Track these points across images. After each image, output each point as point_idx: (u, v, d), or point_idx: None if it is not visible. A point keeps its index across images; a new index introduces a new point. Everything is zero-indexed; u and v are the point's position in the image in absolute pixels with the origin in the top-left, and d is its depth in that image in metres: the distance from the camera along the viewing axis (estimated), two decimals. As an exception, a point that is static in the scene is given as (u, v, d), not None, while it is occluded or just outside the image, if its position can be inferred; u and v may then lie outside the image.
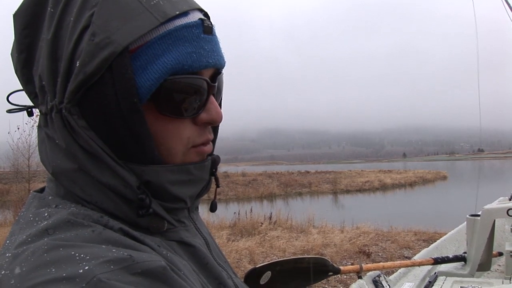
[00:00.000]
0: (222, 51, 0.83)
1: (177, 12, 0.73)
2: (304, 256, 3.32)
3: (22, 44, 0.76)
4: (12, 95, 0.82)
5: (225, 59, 0.84)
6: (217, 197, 0.96)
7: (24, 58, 0.77)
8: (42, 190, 0.80)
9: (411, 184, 45.59)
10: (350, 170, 61.56)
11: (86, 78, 0.68)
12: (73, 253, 0.57)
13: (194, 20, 0.76)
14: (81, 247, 0.59)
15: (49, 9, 0.73)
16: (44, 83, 0.73)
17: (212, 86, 0.79)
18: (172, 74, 0.72)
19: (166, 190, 0.75)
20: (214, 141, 0.91)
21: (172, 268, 0.66)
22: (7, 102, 0.81)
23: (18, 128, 17.11)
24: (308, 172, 56.59)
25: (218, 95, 0.84)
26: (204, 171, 0.83)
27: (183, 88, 0.74)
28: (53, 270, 0.55)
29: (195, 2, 0.80)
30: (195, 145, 0.80)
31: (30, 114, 0.83)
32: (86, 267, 0.55)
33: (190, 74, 0.75)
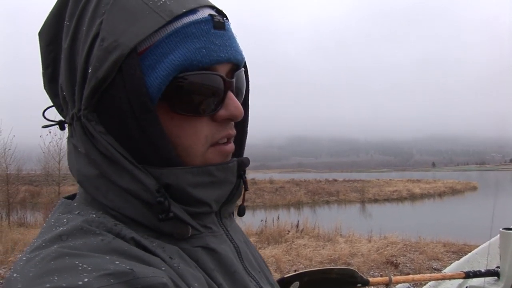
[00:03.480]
0: (239, 47, 0.82)
1: (184, 10, 0.73)
2: (333, 267, 3.28)
3: (47, 60, 0.80)
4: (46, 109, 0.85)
5: (243, 55, 0.83)
6: (244, 203, 0.94)
7: (50, 73, 0.80)
8: (73, 197, 0.82)
9: (440, 194, 44.88)
10: (378, 179, 60.93)
11: (98, 82, 0.69)
12: (77, 262, 0.58)
13: (203, 16, 0.76)
14: (86, 257, 0.60)
15: (65, 22, 0.76)
16: (64, 93, 0.76)
17: (229, 82, 0.79)
18: (182, 71, 0.73)
19: (187, 193, 0.74)
20: (242, 142, 0.91)
21: (177, 284, 0.65)
22: (43, 117, 0.83)
23: (50, 132, 17.44)
24: (336, 180, 56.22)
25: (238, 91, 0.84)
26: (229, 173, 0.81)
27: (195, 85, 0.74)
28: (56, 279, 0.56)
29: (202, 0, 0.79)
30: (214, 142, 0.79)
31: (62, 128, 0.83)
32: (86, 279, 0.55)
33: (202, 70, 0.74)
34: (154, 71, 0.71)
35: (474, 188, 53.47)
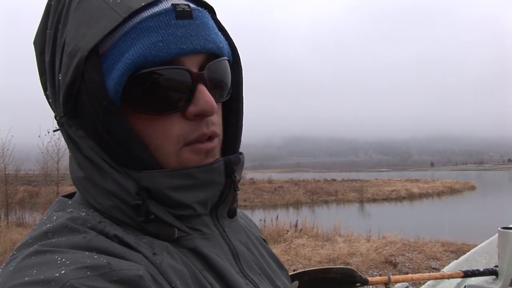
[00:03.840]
0: (212, 35, 0.75)
1: (143, 4, 0.70)
2: (332, 266, 3.28)
3: (41, 69, 0.80)
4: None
5: (218, 43, 0.76)
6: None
7: (44, 81, 0.80)
8: (71, 195, 0.83)
9: (439, 194, 44.90)
10: (377, 179, 60.94)
11: (67, 88, 0.70)
12: (56, 257, 0.60)
13: (164, 7, 0.71)
14: (65, 252, 0.61)
15: (47, 31, 0.77)
16: (50, 100, 0.79)
17: (197, 74, 0.73)
18: (138, 69, 0.69)
19: (167, 196, 0.72)
20: (237, 138, 0.86)
21: (155, 279, 0.64)
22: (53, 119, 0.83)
23: (48, 132, 17.38)
24: (334, 180, 56.23)
25: (217, 83, 0.78)
26: (214, 174, 0.77)
27: (153, 82, 0.70)
28: (34, 272, 0.57)
29: None
30: (188, 142, 0.74)
31: None
32: (63, 271, 0.57)
33: (160, 65, 0.70)
34: (112, 72, 0.70)
35: (472, 188, 53.51)
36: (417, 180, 58.70)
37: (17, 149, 20.59)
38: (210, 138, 0.77)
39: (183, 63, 0.72)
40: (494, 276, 3.82)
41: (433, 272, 8.13)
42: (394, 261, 10.48)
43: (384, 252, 11.31)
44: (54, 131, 0.82)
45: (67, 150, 0.80)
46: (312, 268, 3.11)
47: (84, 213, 0.71)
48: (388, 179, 61.24)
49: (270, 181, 48.41)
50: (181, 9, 0.71)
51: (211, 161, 0.77)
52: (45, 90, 0.81)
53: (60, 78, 0.72)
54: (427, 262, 10.68)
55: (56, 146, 19.09)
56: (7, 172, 19.90)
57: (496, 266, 3.82)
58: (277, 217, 16.06)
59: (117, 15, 0.68)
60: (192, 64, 0.73)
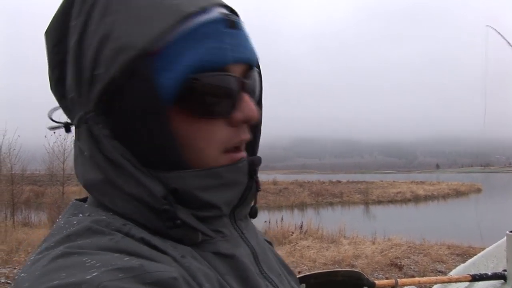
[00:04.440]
0: (253, 47, 0.79)
1: (195, 10, 0.71)
2: (339, 269, 3.27)
3: (54, 61, 0.77)
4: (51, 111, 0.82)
5: (257, 55, 0.81)
6: (257, 204, 0.92)
7: (57, 75, 0.77)
8: (85, 200, 0.80)
9: (444, 196, 44.84)
10: (382, 181, 60.96)
11: (107, 84, 0.68)
12: (84, 259, 0.58)
13: (215, 15, 0.73)
14: (94, 254, 0.59)
15: (71, 22, 0.74)
16: (72, 95, 0.74)
17: (244, 83, 0.76)
18: (195, 72, 0.70)
19: (195, 197, 0.72)
20: (256, 142, 0.88)
21: (188, 281, 0.64)
22: (49, 119, 0.81)
23: (54, 133, 17.46)
24: (339, 181, 56.26)
25: (252, 92, 0.80)
26: (240, 174, 0.78)
27: (208, 86, 0.72)
28: (63, 275, 0.55)
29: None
30: (229, 148, 0.77)
31: (68, 130, 0.81)
32: (94, 274, 0.55)
33: (215, 71, 0.72)
34: (166, 73, 0.70)
35: (478, 190, 53.44)
36: (422, 182, 58.70)
37: (24, 149, 20.76)
38: (240, 146, 0.80)
39: (231, 71, 0.74)
40: (502, 281, 3.79)
41: (439, 275, 8.11)
42: (399, 263, 10.45)
43: (390, 254, 11.27)
44: (66, 125, 0.79)
45: (74, 152, 0.78)
46: (319, 271, 3.09)
47: (104, 216, 0.69)
48: (393, 181, 61.24)
49: (275, 183, 48.38)
50: (231, 19, 0.75)
51: (237, 161, 0.78)
52: (55, 84, 0.78)
53: (95, 72, 0.69)
54: (433, 265, 10.64)
55: (62, 146, 19.25)
56: (13, 172, 20.04)
57: (505, 270, 3.80)
58: (282, 219, 16.07)
59: (171, 17, 0.69)
60: (238, 72, 0.76)
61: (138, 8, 0.70)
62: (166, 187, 0.70)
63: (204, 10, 0.73)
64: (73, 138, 0.79)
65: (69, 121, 0.80)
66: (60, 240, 0.64)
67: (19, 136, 19.68)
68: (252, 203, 0.88)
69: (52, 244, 0.64)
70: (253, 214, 0.90)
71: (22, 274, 0.60)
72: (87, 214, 0.71)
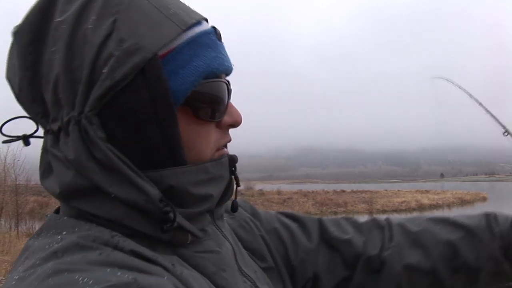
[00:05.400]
0: None
1: (194, 21, 0.76)
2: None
3: (27, 61, 0.73)
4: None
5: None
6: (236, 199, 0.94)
7: (29, 76, 0.73)
8: (59, 210, 0.78)
9: (449, 205, 44.65)
10: (386, 190, 60.72)
11: (115, 83, 0.67)
12: (76, 277, 0.56)
13: (209, 28, 0.80)
14: (85, 271, 0.58)
15: (57, 19, 0.70)
16: (60, 96, 0.70)
17: (230, 90, 0.83)
18: (201, 78, 0.75)
19: (188, 193, 0.73)
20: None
21: None
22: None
23: (8, 147, 17.48)
24: (343, 191, 56.05)
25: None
26: (223, 169, 0.82)
27: (213, 91, 0.77)
28: None
29: (199, 13, 0.82)
30: (218, 147, 0.83)
31: (27, 143, 0.79)
32: None
33: (215, 78, 0.78)
34: (178, 77, 0.72)
35: (483, 199, 53.14)
36: (427, 191, 58.51)
37: (28, 160, 20.73)
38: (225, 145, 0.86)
39: (222, 78, 0.81)
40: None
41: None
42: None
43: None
44: (24, 138, 0.78)
45: (43, 161, 0.77)
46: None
47: (88, 230, 0.67)
48: (398, 190, 61.03)
49: (279, 192, 48.42)
50: (218, 32, 0.81)
51: (220, 157, 0.82)
52: (26, 85, 0.73)
53: (96, 71, 0.67)
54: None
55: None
56: (17, 183, 20.05)
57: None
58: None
59: (176, 26, 0.73)
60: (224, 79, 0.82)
61: (144, 13, 0.71)
62: (160, 187, 0.70)
63: (199, 22, 0.78)
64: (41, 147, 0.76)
65: (26, 133, 0.78)
66: (46, 257, 0.62)
67: (23, 146, 19.73)
68: (233, 198, 0.91)
69: (37, 262, 0.61)
70: (234, 208, 0.94)
71: None
72: (70, 228, 0.69)
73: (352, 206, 40.33)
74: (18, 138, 0.78)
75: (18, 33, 0.73)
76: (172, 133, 0.72)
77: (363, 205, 40.78)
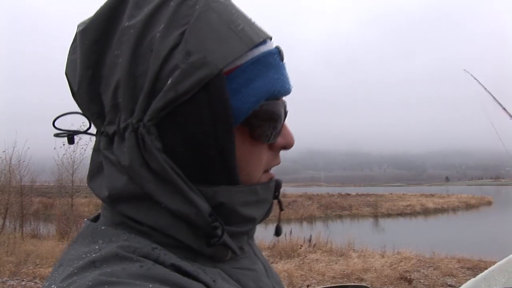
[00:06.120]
0: None
1: (260, 40, 0.74)
2: (347, 284, 3.25)
3: (90, 60, 0.72)
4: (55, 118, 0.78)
5: None
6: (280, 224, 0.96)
7: (90, 75, 0.72)
8: (96, 218, 0.78)
9: (454, 209, 44.51)
10: (391, 193, 60.62)
11: (177, 96, 0.65)
12: None
13: (273, 47, 0.78)
14: (126, 284, 0.57)
15: (125, 23, 0.70)
16: (120, 100, 0.69)
17: (287, 112, 0.82)
18: (262, 98, 0.73)
19: (237, 212, 0.73)
20: None
21: None
22: (52, 126, 0.77)
23: (64, 145, 17.55)
24: (348, 194, 56.00)
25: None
26: (269, 193, 0.82)
27: (272, 113, 0.76)
28: None
29: (265, 31, 0.79)
30: (266, 169, 0.82)
31: (72, 141, 0.79)
32: None
33: (275, 100, 0.77)
34: (240, 95, 0.71)
35: (489, 203, 52.96)
36: (432, 195, 58.32)
37: (33, 161, 20.86)
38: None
39: (280, 100, 0.79)
40: (514, 296, 3.75)
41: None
42: (409, 277, 10.34)
43: (399, 268, 11.18)
44: (58, 135, 0.77)
45: (94, 162, 0.75)
46: (328, 286, 3.07)
47: (126, 240, 0.66)
48: (403, 194, 60.95)
49: (284, 195, 47.95)
50: (282, 52, 0.79)
51: (269, 181, 0.82)
52: (86, 85, 0.73)
53: (160, 81, 0.66)
54: (443, 279, 10.53)
55: (71, 158, 19.37)
56: (22, 184, 20.13)
57: (516, 285, 3.75)
58: (290, 232, 15.97)
59: (243, 43, 0.71)
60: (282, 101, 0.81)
61: (213, 27, 0.68)
62: (211, 202, 0.70)
63: (264, 42, 0.76)
64: (86, 148, 0.76)
65: (79, 129, 0.78)
66: (85, 266, 0.61)
67: (28, 148, 19.79)
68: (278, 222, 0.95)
69: (75, 271, 0.60)
70: (278, 232, 0.96)
71: None
72: (108, 238, 0.68)
73: (357, 209, 40.19)
74: (69, 132, 0.79)
75: (84, 30, 0.73)
76: (229, 153, 0.70)
77: (368, 208, 40.63)
